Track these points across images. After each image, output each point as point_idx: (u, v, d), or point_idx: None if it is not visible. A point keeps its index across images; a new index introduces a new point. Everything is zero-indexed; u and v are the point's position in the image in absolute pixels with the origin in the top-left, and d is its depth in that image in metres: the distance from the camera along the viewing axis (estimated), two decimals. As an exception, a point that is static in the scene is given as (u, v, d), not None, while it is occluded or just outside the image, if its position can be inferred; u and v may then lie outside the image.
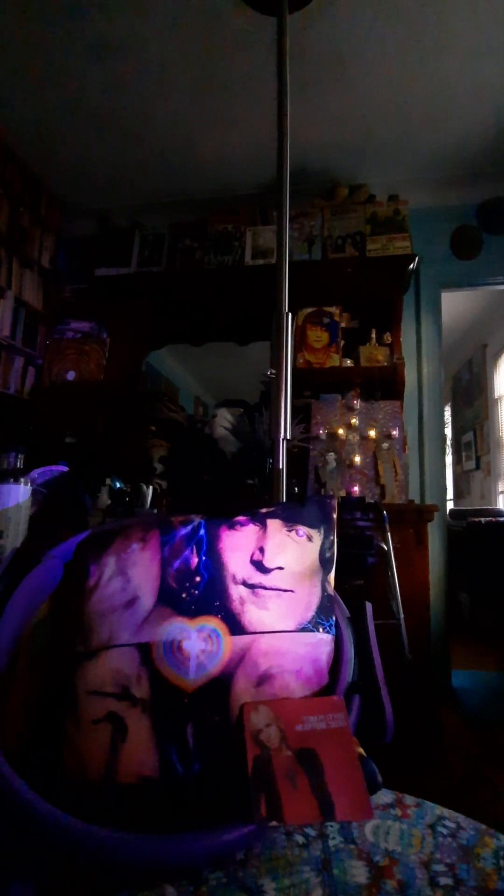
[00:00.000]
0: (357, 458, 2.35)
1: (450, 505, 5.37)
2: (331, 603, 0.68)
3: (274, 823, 0.49)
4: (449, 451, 6.26)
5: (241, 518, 0.70)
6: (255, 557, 0.66)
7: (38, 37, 2.09)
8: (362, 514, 1.88)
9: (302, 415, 2.45)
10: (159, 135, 2.62)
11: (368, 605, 0.72)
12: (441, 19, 1.97)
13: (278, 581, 0.65)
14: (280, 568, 0.66)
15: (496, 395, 4.92)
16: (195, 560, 0.64)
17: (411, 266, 2.56)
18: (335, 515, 0.73)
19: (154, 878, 0.50)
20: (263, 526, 0.69)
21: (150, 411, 2.68)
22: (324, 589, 0.68)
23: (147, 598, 0.61)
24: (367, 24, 2.00)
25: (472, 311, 4.77)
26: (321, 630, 0.64)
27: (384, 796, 0.62)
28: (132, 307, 2.95)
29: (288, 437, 1.19)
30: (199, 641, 0.59)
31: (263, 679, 0.59)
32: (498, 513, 4.20)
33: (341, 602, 0.73)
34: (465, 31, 2.02)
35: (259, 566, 0.65)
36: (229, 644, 0.59)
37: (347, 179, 2.87)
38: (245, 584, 0.63)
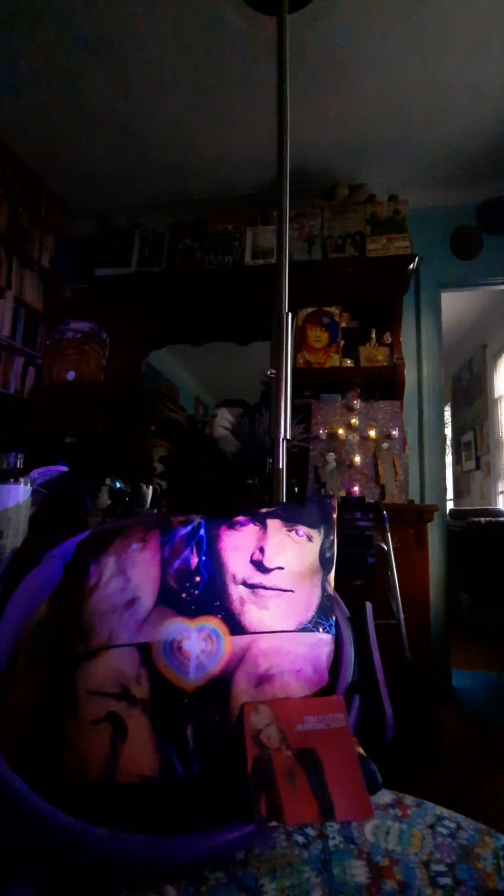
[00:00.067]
0: (357, 458, 2.35)
1: (450, 505, 5.37)
2: (331, 603, 0.68)
3: (274, 823, 0.49)
4: (449, 451, 6.26)
5: (241, 518, 0.70)
6: (255, 557, 0.66)
7: (38, 37, 2.09)
8: (362, 514, 1.88)
9: (302, 415, 2.45)
10: (159, 135, 2.62)
11: (368, 605, 0.72)
12: (441, 19, 1.97)
13: (278, 581, 0.65)
14: (280, 568, 0.66)
15: (496, 395, 4.92)
16: (195, 560, 0.64)
17: (411, 266, 2.56)
18: (335, 515, 0.73)
19: (154, 878, 0.50)
20: (263, 526, 0.69)
21: (150, 411, 2.68)
22: (324, 589, 0.68)
23: (147, 598, 0.61)
24: (367, 24, 2.00)
25: (472, 311, 4.77)
26: (321, 630, 0.64)
27: (384, 796, 0.62)
28: (132, 307, 2.95)
29: (288, 437, 1.19)
30: (199, 641, 0.59)
31: (263, 679, 0.59)
32: (498, 513, 4.20)
33: (341, 602, 0.73)
34: (465, 31, 2.02)
35: (259, 566, 0.65)
36: (229, 644, 0.59)
37: (347, 179, 2.87)
38: (245, 584, 0.63)
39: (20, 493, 1.01)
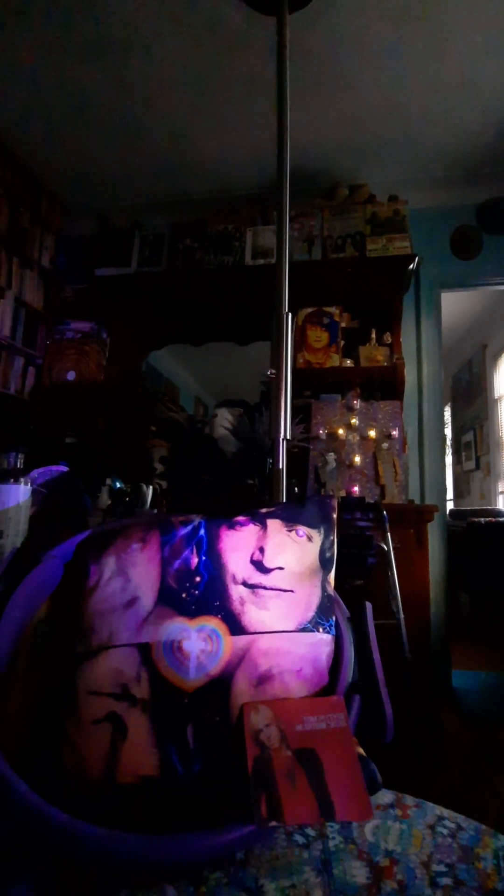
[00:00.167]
0: (357, 458, 2.35)
1: (450, 505, 5.37)
2: (331, 603, 0.68)
3: (274, 823, 0.49)
4: (449, 451, 6.26)
5: (241, 518, 0.70)
6: (255, 557, 0.66)
7: (38, 37, 2.09)
8: (362, 514, 1.88)
9: (302, 415, 2.45)
10: (159, 135, 2.62)
11: (368, 605, 0.72)
12: (441, 19, 1.97)
13: (278, 581, 0.65)
14: (280, 568, 0.66)
15: (496, 395, 4.92)
16: (195, 560, 0.64)
17: (411, 266, 2.56)
18: (335, 515, 0.73)
19: (154, 878, 0.50)
20: (263, 526, 0.69)
21: (150, 411, 2.68)
22: (324, 589, 0.68)
23: (147, 598, 0.61)
24: (367, 24, 2.00)
25: (472, 311, 4.77)
26: (321, 630, 0.64)
27: (384, 796, 0.62)
28: (132, 307, 2.95)
29: (288, 437, 1.19)
30: (199, 641, 0.59)
31: (263, 679, 0.59)
32: (498, 513, 4.20)
33: (341, 602, 0.73)
34: (465, 31, 2.02)
35: (259, 566, 0.65)
36: (229, 644, 0.59)
37: (347, 179, 2.87)
38: (245, 584, 0.63)
39: (20, 493, 1.01)
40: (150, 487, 1.75)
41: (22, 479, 1.02)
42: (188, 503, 2.20)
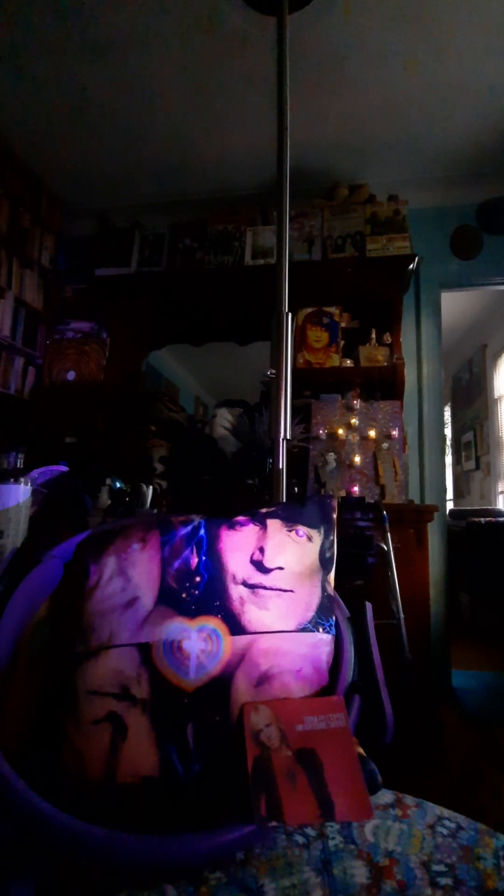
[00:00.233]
0: (357, 458, 2.35)
1: (450, 505, 5.37)
2: (331, 603, 0.68)
3: (274, 823, 0.49)
4: (449, 451, 6.26)
5: (241, 518, 0.70)
6: (255, 557, 0.66)
7: (38, 37, 2.09)
8: (362, 514, 1.88)
9: (302, 415, 2.45)
10: (159, 135, 2.62)
11: (368, 605, 0.72)
12: (441, 19, 1.97)
13: (278, 581, 0.65)
14: (280, 568, 0.66)
15: (496, 395, 4.92)
16: (195, 560, 0.64)
17: (411, 266, 2.56)
18: (335, 515, 0.73)
19: (154, 878, 0.50)
20: (263, 526, 0.69)
21: (150, 411, 2.68)
22: (324, 589, 0.68)
23: (147, 598, 0.61)
24: (366, 24, 2.00)
25: (472, 311, 4.77)
26: (321, 630, 0.64)
27: (384, 796, 0.62)
28: (132, 307, 2.95)
29: (288, 437, 1.19)
30: (200, 641, 0.59)
31: (263, 679, 0.59)
32: (498, 513, 4.20)
33: (341, 602, 0.73)
34: (465, 31, 2.02)
35: (259, 566, 0.65)
36: (229, 644, 0.59)
37: (347, 179, 2.87)
38: (245, 584, 0.63)
39: (20, 493, 1.01)
40: (150, 487, 1.75)
41: (22, 479, 1.02)
42: (188, 503, 2.20)
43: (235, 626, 0.60)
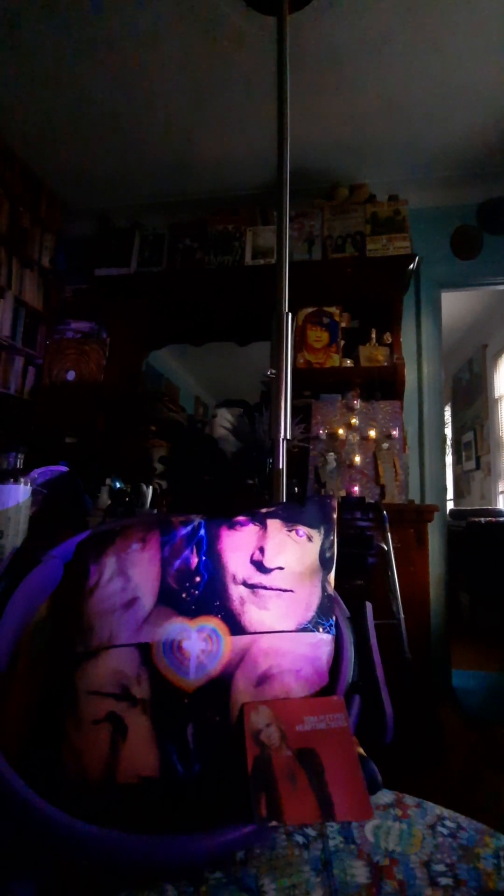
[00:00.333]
0: (357, 458, 2.35)
1: (450, 505, 5.37)
2: (331, 603, 0.68)
3: (274, 823, 0.49)
4: (449, 451, 6.26)
5: (241, 518, 0.70)
6: (256, 557, 0.66)
7: (38, 37, 2.09)
8: (362, 514, 1.88)
9: (302, 415, 2.45)
10: (159, 135, 2.62)
11: (368, 605, 0.72)
12: (441, 19, 1.97)
13: (278, 581, 0.65)
14: (280, 568, 0.66)
15: (496, 395, 4.92)
16: (195, 560, 0.64)
17: (411, 266, 2.56)
18: (335, 515, 0.73)
19: (154, 878, 0.50)
20: (263, 526, 0.69)
21: (150, 411, 2.68)
22: (324, 589, 0.68)
23: (147, 598, 0.61)
24: (366, 23, 2.00)
25: (472, 311, 4.77)
26: (321, 630, 0.64)
27: (384, 796, 0.62)
28: (132, 307, 2.95)
29: (288, 437, 1.19)
30: (200, 641, 0.59)
31: (263, 679, 0.59)
32: (498, 513, 4.20)
33: (341, 602, 0.73)
34: (465, 31, 2.02)
35: (259, 566, 0.65)
36: (229, 644, 0.59)
37: (347, 179, 2.87)
38: (245, 584, 0.63)
39: (20, 493, 1.01)
40: (150, 487, 1.75)
41: (22, 479, 1.02)
42: (188, 503, 2.20)
43: (235, 626, 0.60)
